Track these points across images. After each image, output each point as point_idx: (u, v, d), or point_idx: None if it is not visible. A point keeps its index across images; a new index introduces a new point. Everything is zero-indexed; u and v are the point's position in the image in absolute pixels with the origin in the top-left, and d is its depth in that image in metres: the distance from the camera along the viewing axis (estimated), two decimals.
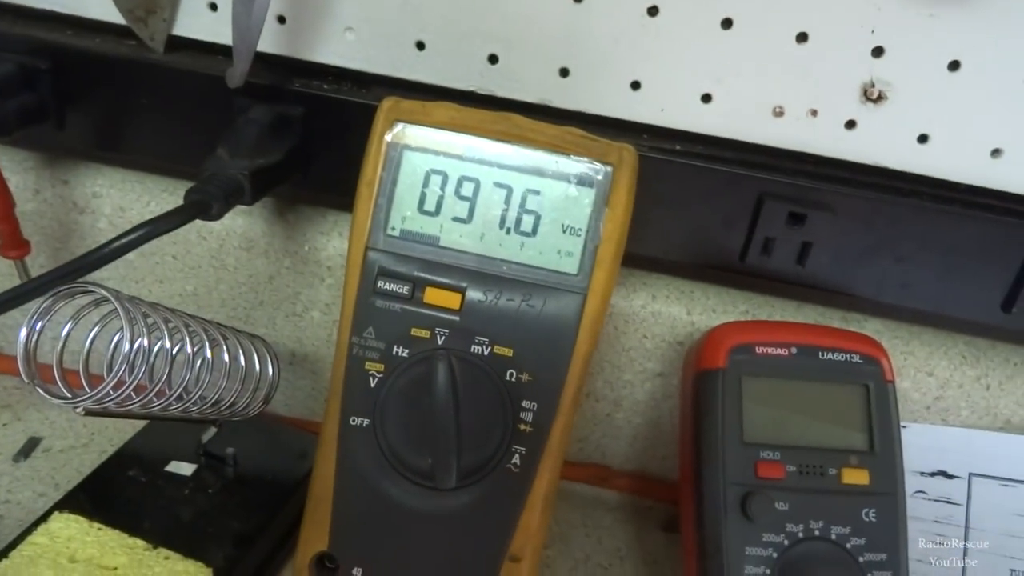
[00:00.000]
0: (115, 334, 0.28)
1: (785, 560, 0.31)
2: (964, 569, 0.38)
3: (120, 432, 0.39)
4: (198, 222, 0.32)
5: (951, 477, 0.39)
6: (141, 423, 0.38)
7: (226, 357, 0.32)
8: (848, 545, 0.31)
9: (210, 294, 0.41)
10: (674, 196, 0.35)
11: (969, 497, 0.39)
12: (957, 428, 0.39)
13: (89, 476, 0.35)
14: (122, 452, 0.36)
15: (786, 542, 0.31)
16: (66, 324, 0.27)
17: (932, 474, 0.39)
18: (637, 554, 0.39)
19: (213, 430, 0.36)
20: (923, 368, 0.38)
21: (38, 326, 0.26)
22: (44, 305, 0.26)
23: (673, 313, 0.38)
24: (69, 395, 0.27)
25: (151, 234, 0.30)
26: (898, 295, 0.36)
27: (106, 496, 0.34)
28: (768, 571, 0.30)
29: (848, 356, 0.34)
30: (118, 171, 0.40)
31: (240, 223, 0.40)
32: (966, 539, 0.38)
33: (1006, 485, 0.38)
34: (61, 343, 0.27)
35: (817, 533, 0.31)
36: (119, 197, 0.40)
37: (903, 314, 0.38)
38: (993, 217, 0.34)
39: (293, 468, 0.37)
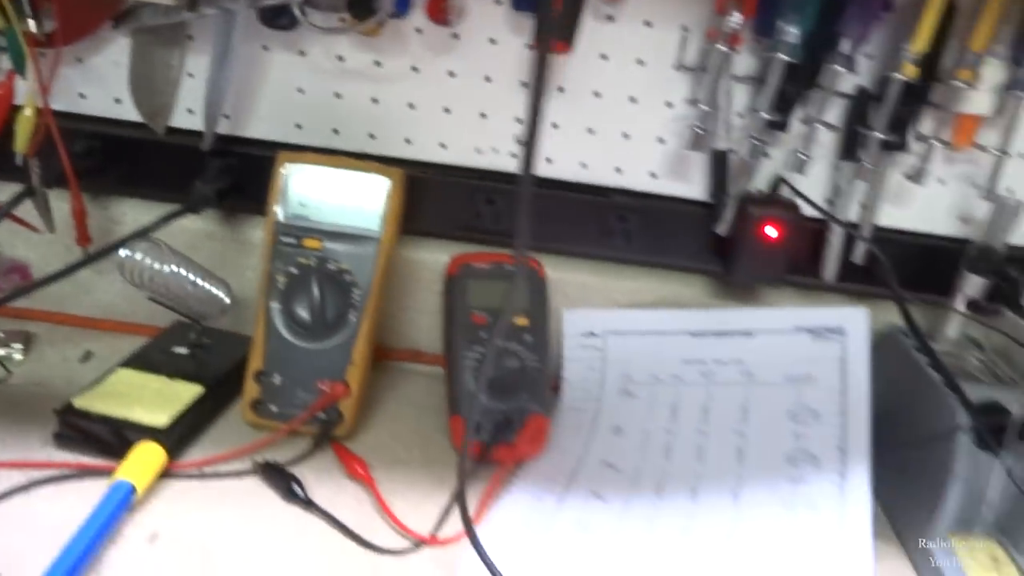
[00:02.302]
0: (158, 263, 0.59)
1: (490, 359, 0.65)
2: (603, 380, 0.72)
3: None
4: (183, 224, 0.65)
5: (595, 335, 0.74)
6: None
7: (206, 284, 0.64)
8: (519, 352, 0.65)
9: None
10: (432, 197, 0.70)
11: (606, 344, 0.73)
12: (595, 309, 0.74)
13: (132, 355, 0.66)
14: (149, 344, 0.67)
15: (486, 352, 0.65)
16: (138, 254, 0.59)
17: (586, 334, 0.74)
18: (438, 394, 0.72)
19: (197, 329, 0.68)
20: (573, 279, 0.73)
21: (127, 253, 0.57)
22: (129, 245, 0.58)
23: (440, 258, 0.72)
24: (141, 285, 0.58)
25: (164, 221, 0.63)
26: (549, 239, 0.71)
27: (143, 361, 0.65)
28: (475, 363, 0.64)
29: (520, 267, 0.68)
30: (138, 200, 0.72)
31: (205, 224, 0.72)
32: (604, 368, 0.73)
33: (623, 335, 0.73)
34: (135, 263, 0.59)
35: (502, 347, 0.65)
36: (138, 214, 0.71)
37: (555, 251, 0.73)
38: (588, 197, 0.70)
39: (239, 349, 0.67)
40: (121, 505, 0.51)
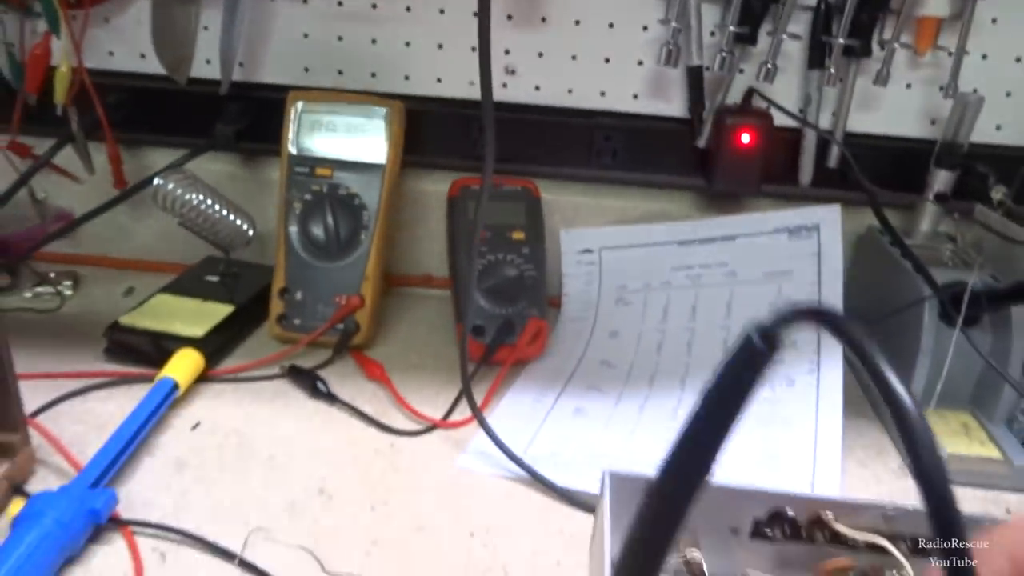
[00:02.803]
0: (190, 192, 0.66)
1: (487, 268, 0.70)
2: (599, 292, 0.78)
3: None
4: (207, 167, 0.72)
5: (591, 251, 0.79)
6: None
7: (232, 215, 0.71)
8: (517, 263, 0.71)
9: None
10: (431, 129, 0.76)
11: (601, 259, 0.79)
12: (590, 228, 0.79)
13: (168, 283, 0.73)
14: (184, 274, 0.74)
15: (487, 262, 0.71)
16: (170, 183, 0.65)
17: (582, 252, 0.79)
18: (448, 313, 0.78)
19: (225, 260, 0.74)
20: (567, 200, 0.78)
21: (159, 182, 0.64)
22: (161, 175, 0.64)
23: (445, 187, 0.78)
24: (173, 212, 0.65)
25: (189, 157, 0.69)
26: (542, 162, 0.77)
27: (179, 288, 0.72)
28: (478, 275, 0.70)
29: (515, 187, 0.74)
30: (167, 149, 0.79)
31: (228, 166, 0.79)
32: (600, 280, 0.78)
33: (616, 250, 0.78)
34: (167, 190, 0.66)
35: (502, 258, 0.71)
36: (168, 160, 0.78)
37: (550, 174, 0.79)
38: (575, 120, 0.75)
39: (264, 277, 0.74)
40: (166, 397, 0.58)
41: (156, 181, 0.64)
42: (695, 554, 0.37)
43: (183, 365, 0.61)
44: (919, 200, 0.72)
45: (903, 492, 0.57)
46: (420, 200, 0.79)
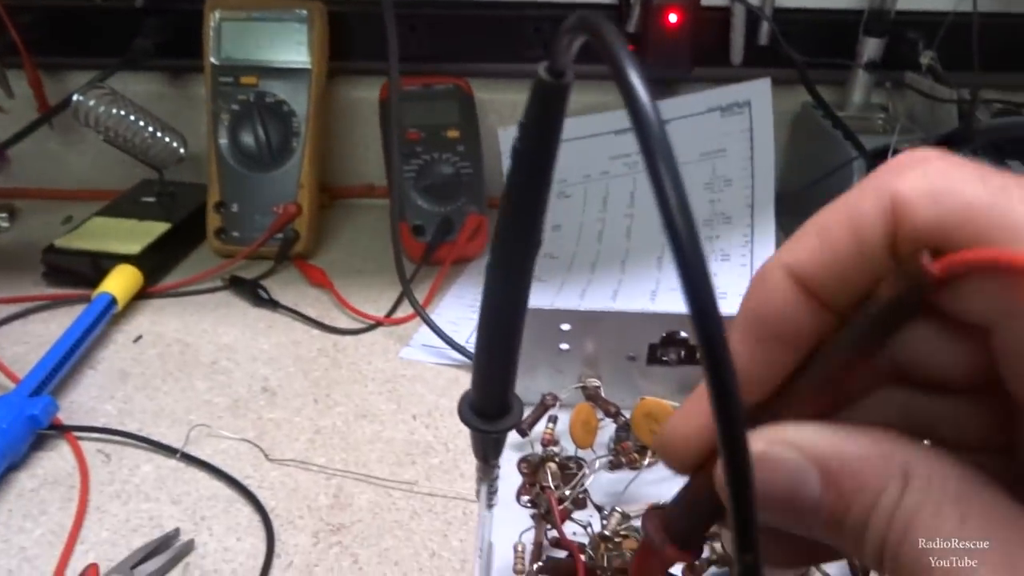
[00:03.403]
0: (112, 107, 0.65)
1: (422, 168, 0.70)
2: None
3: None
4: (134, 88, 0.70)
5: None
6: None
7: (160, 132, 0.70)
8: (452, 160, 0.71)
9: None
10: (359, 30, 0.74)
11: None
12: None
13: (104, 207, 0.72)
14: (119, 197, 0.73)
15: (422, 162, 0.70)
16: (91, 99, 0.64)
17: None
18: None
19: (160, 180, 0.74)
20: (504, 98, 0.78)
21: (79, 98, 0.63)
22: (81, 91, 0.63)
23: (377, 93, 0.77)
24: (96, 127, 0.64)
25: (110, 73, 0.68)
26: (476, 60, 0.76)
27: (114, 210, 0.71)
28: (415, 174, 0.70)
29: (447, 86, 0.73)
30: (88, 71, 0.77)
31: (153, 86, 0.77)
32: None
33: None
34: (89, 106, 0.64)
35: (437, 156, 0.71)
36: (87, 79, 0.77)
37: (485, 73, 0.78)
38: (504, 12, 0.74)
39: (200, 195, 0.73)
40: (104, 311, 0.58)
41: (75, 97, 0.63)
42: (593, 381, 0.38)
43: (120, 280, 0.60)
44: (851, 69, 0.72)
45: None
46: (354, 108, 0.78)
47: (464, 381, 0.55)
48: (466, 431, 0.49)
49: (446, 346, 0.58)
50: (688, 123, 0.72)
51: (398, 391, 0.54)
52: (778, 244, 0.64)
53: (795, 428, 0.18)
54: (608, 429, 0.43)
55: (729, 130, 0.71)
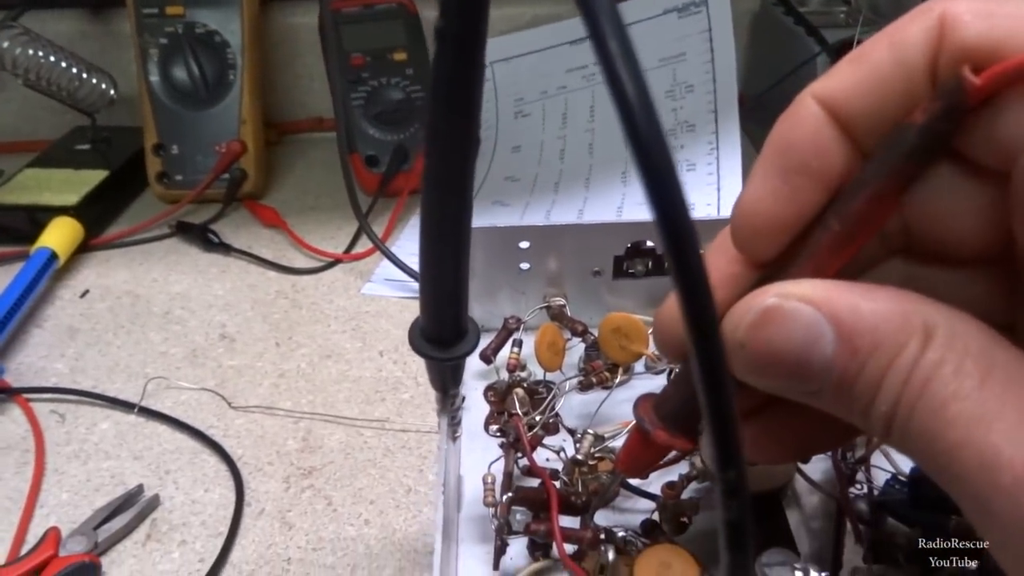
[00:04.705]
0: (30, 49, 0.60)
1: (370, 94, 0.67)
2: (496, 108, 0.75)
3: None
4: (56, 28, 0.65)
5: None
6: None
7: (86, 73, 0.65)
8: (402, 85, 0.67)
9: None
10: None
11: (494, 73, 0.75)
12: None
13: (35, 157, 0.68)
14: (51, 146, 0.69)
15: (369, 89, 0.67)
16: (4, 40, 0.59)
17: None
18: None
19: (93, 126, 0.69)
20: None
21: None
22: None
23: (314, 20, 0.72)
24: (14, 71, 0.60)
25: (24, 7, 0.63)
26: None
27: (47, 160, 0.67)
28: (363, 102, 0.66)
29: (390, 6, 0.69)
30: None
31: (74, 25, 0.72)
32: (496, 96, 0.75)
33: (508, 61, 0.75)
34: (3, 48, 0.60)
35: (385, 82, 0.67)
36: None
37: None
38: None
39: (137, 139, 0.69)
40: (44, 267, 0.54)
41: None
42: (558, 300, 0.37)
43: (59, 233, 0.57)
44: None
45: None
46: (293, 35, 0.74)
47: None
48: None
49: (409, 279, 0.56)
50: (644, 28, 0.69)
51: (362, 328, 0.52)
52: (744, 152, 0.62)
53: (810, 283, 0.16)
54: (577, 350, 0.42)
55: (687, 32, 0.68)
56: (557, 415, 0.36)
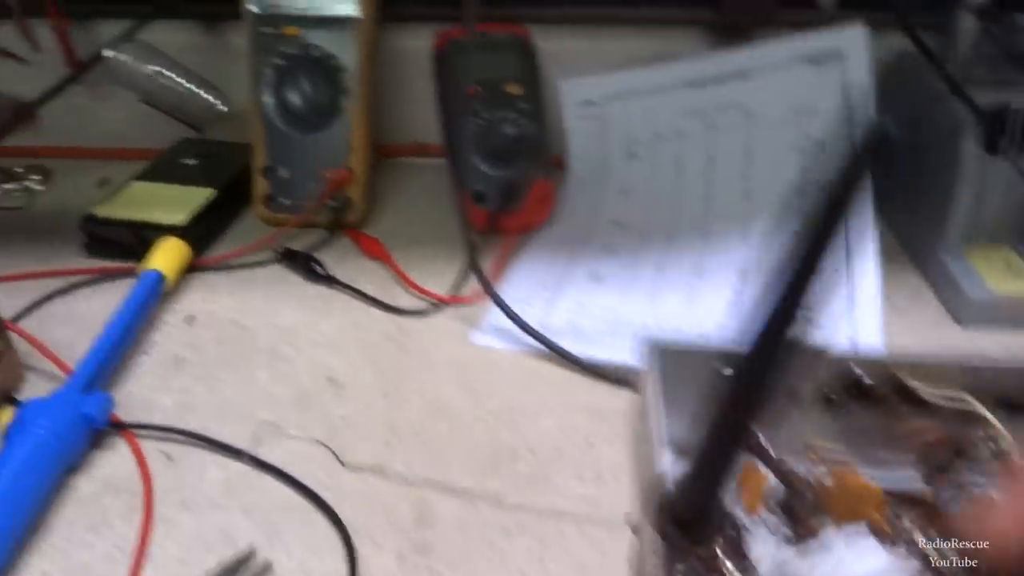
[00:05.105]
0: (147, 62, 0.60)
1: (482, 128, 0.64)
2: (607, 147, 0.72)
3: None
4: (169, 38, 0.64)
5: (594, 103, 0.73)
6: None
7: (198, 87, 0.65)
8: (514, 119, 0.65)
9: None
10: None
11: (606, 111, 0.72)
12: (592, 76, 0.73)
13: (143, 170, 0.67)
14: (158, 159, 0.68)
15: (482, 121, 0.65)
16: (124, 55, 0.59)
17: (583, 103, 0.73)
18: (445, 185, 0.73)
19: (201, 140, 0.69)
20: (567, 47, 0.71)
21: (111, 54, 0.58)
22: (113, 45, 0.58)
23: (428, 45, 0.71)
24: (131, 86, 0.59)
25: (144, 21, 0.62)
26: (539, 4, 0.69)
27: (155, 174, 0.66)
28: (474, 136, 0.64)
29: (506, 35, 0.67)
30: (121, 21, 0.71)
31: (187, 37, 0.71)
32: (607, 134, 0.72)
33: (622, 99, 0.72)
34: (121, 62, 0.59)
35: (498, 115, 0.65)
36: (116, 30, 0.71)
37: (547, 19, 0.71)
38: None
39: (244, 155, 0.68)
40: (152, 290, 0.54)
41: (107, 53, 0.57)
42: (755, 429, 0.33)
43: (168, 255, 0.56)
44: (957, 12, 0.65)
45: (950, 340, 0.54)
46: (404, 60, 0.72)
47: (544, 372, 0.51)
48: (554, 435, 0.45)
49: (521, 332, 0.54)
50: (772, 76, 0.66)
51: (473, 383, 0.50)
52: (874, 243, 0.58)
53: None
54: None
55: (819, 84, 0.64)
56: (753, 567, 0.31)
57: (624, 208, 0.67)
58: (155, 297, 0.54)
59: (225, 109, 0.67)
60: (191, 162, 0.68)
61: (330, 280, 0.59)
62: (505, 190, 0.63)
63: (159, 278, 0.54)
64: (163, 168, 0.67)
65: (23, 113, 0.63)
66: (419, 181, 0.73)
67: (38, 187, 0.70)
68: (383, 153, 0.75)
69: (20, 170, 0.70)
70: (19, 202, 0.68)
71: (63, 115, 0.73)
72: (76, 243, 0.62)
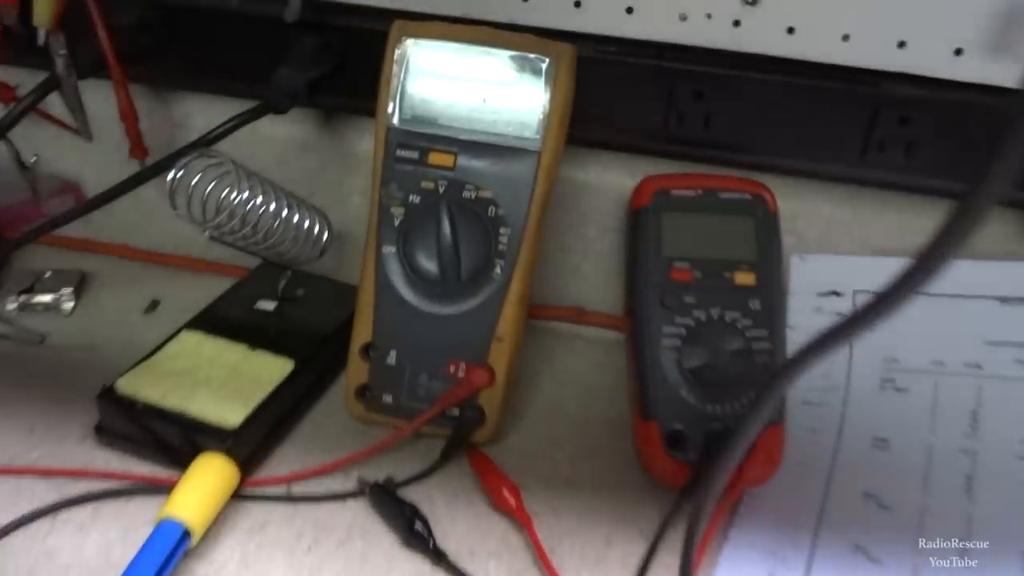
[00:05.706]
0: (226, 188, 0.41)
1: (692, 334, 0.43)
2: (852, 365, 0.50)
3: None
4: (265, 130, 0.46)
5: (839, 295, 0.51)
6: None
7: (296, 217, 0.46)
8: (739, 325, 0.44)
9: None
10: (610, 88, 0.48)
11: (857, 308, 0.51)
12: (842, 256, 0.51)
13: (201, 311, 0.48)
14: (225, 296, 0.50)
15: (692, 323, 0.44)
16: (195, 177, 0.40)
17: (825, 294, 0.51)
18: (612, 370, 0.52)
19: (287, 277, 0.50)
20: (812, 211, 0.50)
21: (178, 175, 0.39)
22: (181, 163, 0.39)
23: (619, 180, 0.50)
24: (201, 219, 0.40)
25: (237, 125, 0.43)
26: (781, 152, 0.48)
27: (215, 322, 0.47)
28: (679, 342, 0.43)
29: (740, 195, 0.46)
30: (209, 96, 0.54)
31: (296, 130, 0.53)
32: (854, 345, 0.51)
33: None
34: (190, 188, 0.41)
35: (718, 316, 0.44)
36: (210, 115, 0.53)
37: (789, 171, 0.50)
38: (848, 87, 0.46)
39: (343, 305, 0.49)
40: (171, 553, 0.34)
41: (171, 175, 0.39)
42: None
43: (201, 493, 0.37)
44: None
45: None
46: (579, 197, 0.52)
47: None
48: None
49: None
50: (962, 303, 0.43)
51: None
52: None
53: None
54: None
55: (1011, 323, 0.41)
56: None
57: (877, 468, 0.44)
58: (174, 560, 0.34)
59: (327, 239, 0.48)
60: (268, 307, 0.49)
61: (437, 555, 0.38)
62: (714, 435, 0.41)
63: (182, 536, 0.35)
64: (229, 313, 0.48)
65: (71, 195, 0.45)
66: (575, 365, 0.52)
67: (68, 303, 0.52)
68: (527, 313, 0.55)
69: (49, 275, 0.53)
70: (36, 335, 0.50)
71: (119, 204, 0.56)
72: (89, 416, 0.43)
